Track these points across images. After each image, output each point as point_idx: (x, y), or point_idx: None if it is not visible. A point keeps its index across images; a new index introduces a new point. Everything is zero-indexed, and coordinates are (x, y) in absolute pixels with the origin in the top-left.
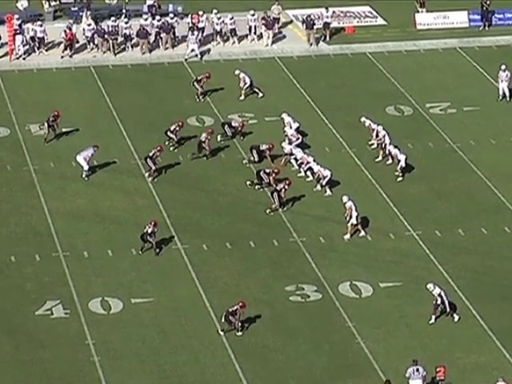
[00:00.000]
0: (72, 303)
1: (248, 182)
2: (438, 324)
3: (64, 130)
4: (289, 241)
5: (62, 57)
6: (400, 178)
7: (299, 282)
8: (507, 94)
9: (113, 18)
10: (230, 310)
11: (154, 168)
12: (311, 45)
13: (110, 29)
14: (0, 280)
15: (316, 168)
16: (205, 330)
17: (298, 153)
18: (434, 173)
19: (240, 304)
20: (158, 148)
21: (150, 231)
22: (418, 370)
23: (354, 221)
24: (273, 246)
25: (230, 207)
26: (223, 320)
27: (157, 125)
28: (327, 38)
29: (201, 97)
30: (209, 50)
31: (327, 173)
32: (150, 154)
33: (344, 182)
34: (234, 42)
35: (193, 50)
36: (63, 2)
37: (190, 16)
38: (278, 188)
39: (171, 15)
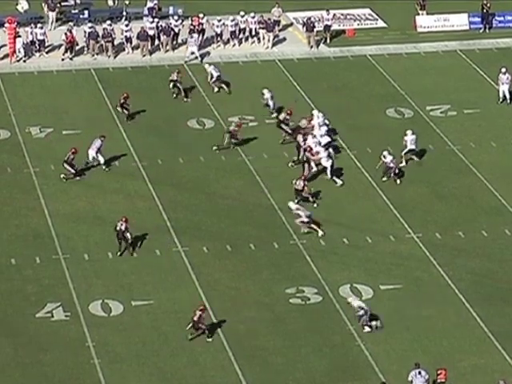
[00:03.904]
0: (72, 306)
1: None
2: (438, 326)
3: (64, 132)
4: (289, 243)
5: (63, 59)
6: (398, 181)
7: (299, 284)
8: (507, 96)
9: (108, 22)
10: (195, 318)
11: (72, 171)
12: (312, 47)
13: (103, 32)
14: (0, 282)
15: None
16: (205, 332)
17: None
18: (434, 175)
19: (200, 308)
20: (73, 150)
21: (123, 228)
22: (420, 372)
23: (304, 219)
24: (273, 248)
25: (230, 210)
26: (192, 330)
27: (157, 127)
28: (328, 41)
29: (178, 96)
30: (209, 53)
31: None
32: (65, 158)
33: (345, 184)
34: (234, 45)
35: (193, 53)
36: (64, 4)
37: (190, 18)
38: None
39: (176, 17)
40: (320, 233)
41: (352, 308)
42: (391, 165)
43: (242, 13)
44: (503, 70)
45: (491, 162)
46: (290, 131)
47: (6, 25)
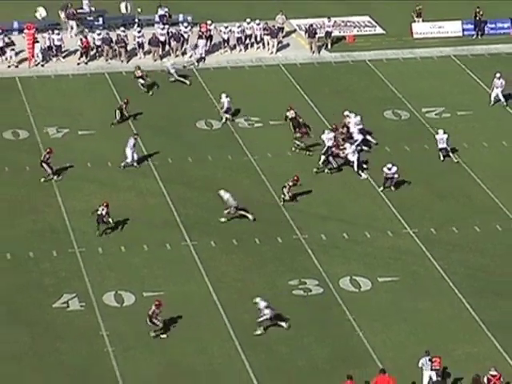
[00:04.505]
0: (87, 296)
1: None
2: (433, 317)
3: (80, 132)
4: (292, 238)
5: (78, 63)
6: (393, 188)
7: (302, 276)
8: (502, 99)
9: (122, 28)
10: (150, 312)
11: (49, 171)
12: (313, 53)
13: (116, 38)
14: (19, 275)
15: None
16: (212, 322)
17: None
18: (429, 174)
19: (156, 303)
20: (48, 150)
21: (104, 213)
22: (430, 359)
23: (233, 210)
24: (277, 242)
25: None
26: (149, 323)
27: (167, 128)
28: (329, 46)
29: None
30: (204, 58)
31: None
32: (42, 158)
33: (345, 182)
34: (240, 50)
35: (190, 56)
36: (79, 12)
37: (198, 25)
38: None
39: (185, 24)
40: (250, 217)
41: (261, 309)
42: (395, 176)
43: (247, 20)
44: (498, 75)
45: (483, 162)
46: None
47: (25, 31)
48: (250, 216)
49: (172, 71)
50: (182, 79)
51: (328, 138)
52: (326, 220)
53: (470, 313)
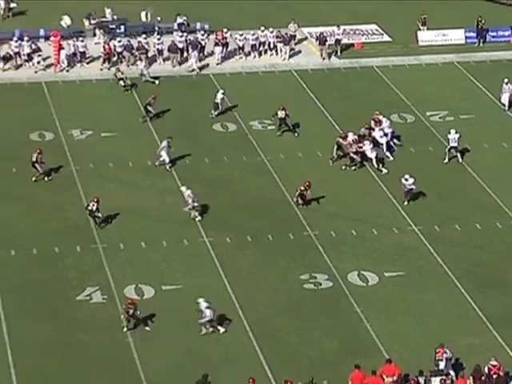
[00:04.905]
0: (109, 289)
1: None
2: (436, 310)
3: (103, 134)
4: (303, 235)
5: (101, 69)
6: (406, 202)
7: (312, 271)
8: (506, 104)
9: (143, 36)
10: (124, 307)
11: (41, 171)
12: (324, 59)
13: (137, 45)
14: (45, 269)
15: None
16: (228, 314)
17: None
18: (433, 174)
19: (128, 301)
20: (38, 151)
21: (94, 208)
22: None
23: (190, 205)
24: (289, 239)
25: (250, 204)
26: (121, 317)
27: (185, 130)
28: (338, 53)
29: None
30: (205, 64)
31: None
32: (34, 159)
33: (353, 182)
34: (254, 57)
35: (190, 66)
36: (103, 20)
37: (215, 33)
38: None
39: (202, 32)
40: (194, 215)
41: (202, 310)
42: (412, 187)
43: (261, 28)
44: (506, 80)
45: (484, 163)
46: (291, 127)
47: (52, 38)
48: (196, 213)
49: (145, 72)
50: (151, 80)
51: (352, 139)
52: (336, 218)
53: (472, 306)
